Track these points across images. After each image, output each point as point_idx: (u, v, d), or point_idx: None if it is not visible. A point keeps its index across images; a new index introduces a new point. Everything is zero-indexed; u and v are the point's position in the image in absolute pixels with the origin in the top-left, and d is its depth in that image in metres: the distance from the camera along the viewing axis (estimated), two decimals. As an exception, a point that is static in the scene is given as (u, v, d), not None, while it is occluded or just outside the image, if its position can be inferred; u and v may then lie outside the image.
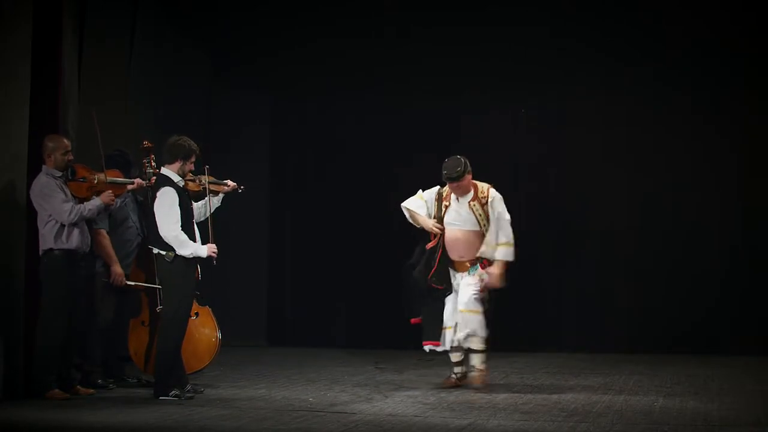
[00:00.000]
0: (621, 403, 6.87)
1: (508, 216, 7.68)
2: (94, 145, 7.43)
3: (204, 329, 7.87)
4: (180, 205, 7.19)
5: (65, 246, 7.18)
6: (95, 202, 7.28)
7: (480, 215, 7.63)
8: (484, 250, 7.65)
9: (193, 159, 7.33)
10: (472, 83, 11.05)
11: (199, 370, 7.89)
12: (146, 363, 7.74)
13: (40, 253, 7.22)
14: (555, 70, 10.91)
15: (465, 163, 7.61)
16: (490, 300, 7.69)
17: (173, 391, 7.11)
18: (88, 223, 7.45)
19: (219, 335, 7.89)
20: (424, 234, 8.02)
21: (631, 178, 10.88)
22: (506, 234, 7.64)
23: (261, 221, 12.00)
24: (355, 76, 11.31)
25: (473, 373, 7.63)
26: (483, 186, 7.72)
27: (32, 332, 7.22)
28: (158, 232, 7.16)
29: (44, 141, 7.26)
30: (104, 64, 8.95)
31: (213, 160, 7.92)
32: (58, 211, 7.15)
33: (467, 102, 11.20)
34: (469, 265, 7.71)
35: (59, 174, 7.27)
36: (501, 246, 7.62)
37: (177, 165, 7.28)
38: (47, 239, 7.18)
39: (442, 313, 7.77)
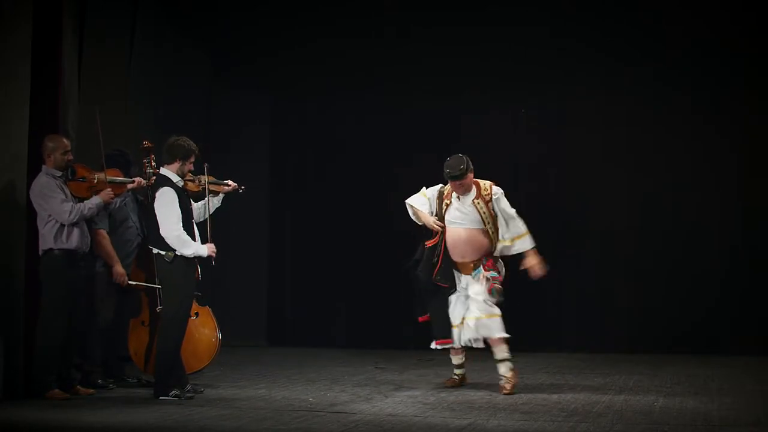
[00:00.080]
0: (621, 403, 6.87)
1: (512, 210, 7.65)
2: (94, 145, 7.43)
3: (204, 329, 7.87)
4: (179, 205, 7.19)
5: (65, 246, 7.18)
6: (95, 200, 7.28)
7: (484, 213, 7.60)
8: (501, 248, 7.61)
9: (192, 159, 7.34)
10: (472, 83, 11.05)
11: (199, 370, 7.89)
12: (146, 363, 7.74)
13: (40, 253, 7.23)
14: (555, 70, 10.91)
15: (467, 161, 7.60)
16: (503, 294, 7.64)
17: (173, 391, 7.11)
18: (88, 223, 7.46)
19: (219, 335, 7.89)
20: (425, 232, 8.01)
21: (631, 178, 10.88)
22: (517, 226, 7.60)
23: (261, 221, 12.00)
24: (355, 76, 11.31)
25: (503, 382, 7.56)
26: (485, 183, 7.69)
27: (32, 332, 7.23)
28: (158, 232, 7.17)
29: (44, 141, 7.27)
30: (104, 64, 8.95)
31: (213, 160, 7.92)
32: (58, 211, 7.16)
33: (467, 102, 11.20)
34: (472, 267, 7.69)
35: (59, 174, 7.27)
36: (517, 239, 7.58)
37: (176, 165, 7.28)
38: (47, 239, 7.18)
39: (447, 313, 7.75)
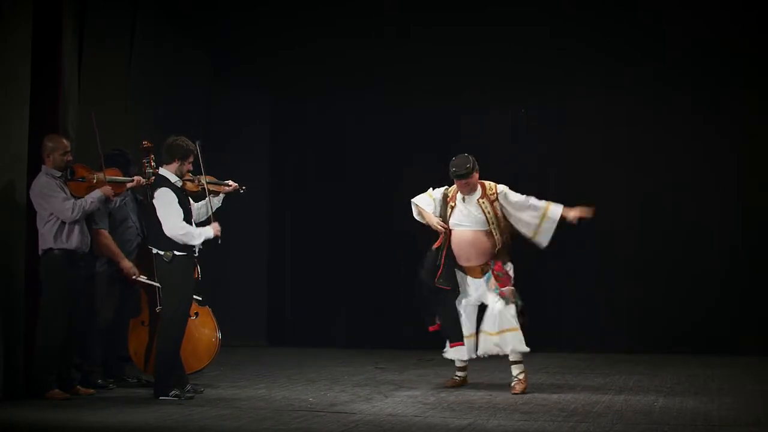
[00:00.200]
0: (621, 403, 6.87)
1: (522, 196, 7.58)
2: (93, 145, 7.43)
3: (204, 329, 7.86)
4: (179, 204, 7.20)
5: (65, 246, 7.18)
6: (95, 194, 7.26)
7: (489, 212, 7.56)
8: (538, 230, 7.54)
9: (191, 159, 7.34)
10: (472, 83, 11.05)
11: (199, 370, 7.89)
12: (146, 363, 7.73)
13: (40, 252, 7.23)
14: (555, 70, 10.91)
15: (473, 160, 7.57)
16: (519, 294, 7.61)
17: (173, 391, 7.11)
18: (89, 223, 7.45)
19: (219, 335, 7.89)
20: (424, 233, 8.01)
21: (631, 178, 10.88)
22: (536, 207, 7.53)
23: (261, 221, 12.00)
24: (355, 76, 11.31)
25: (514, 383, 7.54)
26: (490, 183, 7.66)
27: (32, 332, 7.22)
28: (158, 232, 7.17)
29: (43, 141, 7.27)
30: (104, 64, 8.95)
31: (213, 160, 7.93)
32: (60, 210, 7.16)
33: (467, 102, 11.20)
34: (480, 271, 7.65)
35: (59, 174, 7.27)
36: (544, 218, 7.53)
37: (175, 165, 7.29)
38: (47, 239, 7.18)
39: (457, 315, 7.72)
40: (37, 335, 7.20)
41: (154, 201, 7.21)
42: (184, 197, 7.31)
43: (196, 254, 7.35)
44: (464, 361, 7.86)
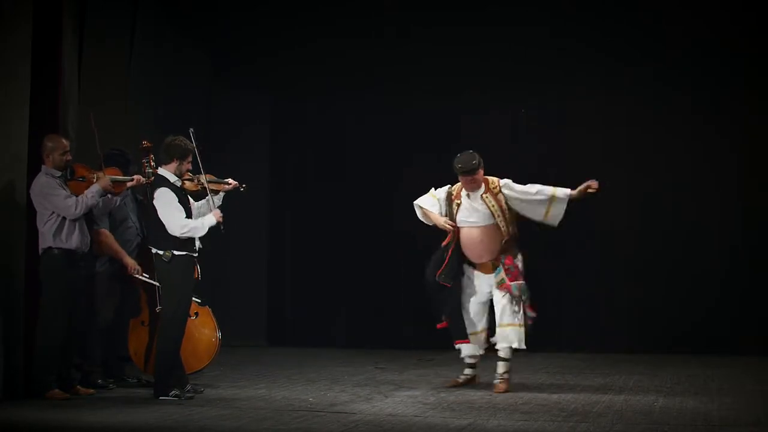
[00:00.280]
0: (621, 403, 6.87)
1: (526, 186, 7.61)
2: (93, 145, 7.43)
3: (204, 329, 7.87)
4: (179, 203, 7.20)
5: (64, 245, 7.17)
6: (93, 188, 7.25)
7: (493, 206, 7.57)
8: (548, 213, 7.55)
9: (189, 158, 7.34)
10: (472, 83, 11.05)
11: (199, 370, 7.89)
12: (146, 363, 7.73)
13: (40, 252, 7.23)
14: (555, 70, 10.91)
15: (478, 157, 7.59)
16: (528, 291, 7.61)
17: (173, 391, 7.11)
18: (89, 223, 7.45)
19: (219, 335, 7.89)
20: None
21: (631, 178, 10.87)
22: (542, 189, 7.55)
23: (261, 221, 12.00)
24: (355, 76, 11.31)
25: (497, 381, 7.56)
26: (493, 178, 7.67)
27: (32, 332, 7.22)
28: (157, 232, 7.18)
29: (43, 141, 7.26)
30: (104, 64, 8.95)
31: (213, 160, 7.93)
32: (62, 207, 7.16)
33: (467, 102, 11.20)
34: (492, 267, 7.65)
35: (58, 174, 7.27)
36: (553, 201, 7.53)
37: (173, 165, 7.29)
38: (47, 238, 7.18)
39: (459, 313, 7.72)
40: (37, 335, 7.19)
41: (154, 201, 7.21)
42: (183, 197, 7.31)
43: (196, 254, 7.35)
44: (474, 357, 7.84)
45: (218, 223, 7.29)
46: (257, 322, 11.89)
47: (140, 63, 9.76)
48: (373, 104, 11.58)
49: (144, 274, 7.73)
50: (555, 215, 7.64)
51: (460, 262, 7.73)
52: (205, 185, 7.46)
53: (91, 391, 7.45)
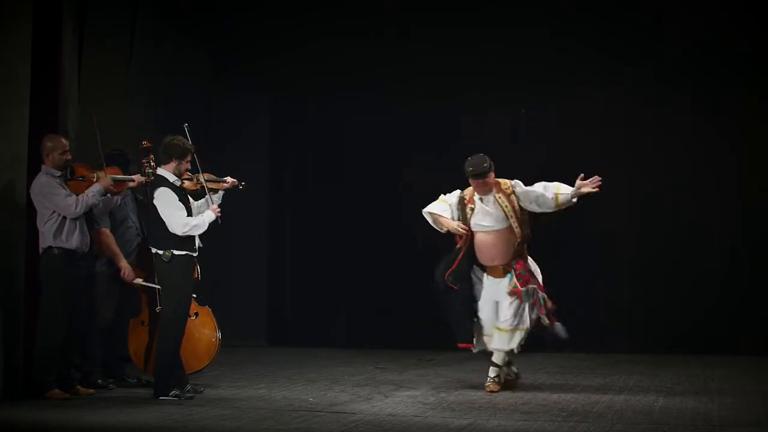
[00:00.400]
0: (621, 403, 6.87)
1: (533, 185, 7.59)
2: (93, 145, 7.43)
3: (204, 329, 7.86)
4: (179, 202, 7.21)
5: (64, 245, 7.17)
6: (94, 188, 7.25)
7: (507, 207, 7.53)
8: (557, 203, 7.49)
9: (188, 158, 7.34)
10: (472, 83, 11.05)
11: (199, 370, 7.89)
12: (146, 363, 7.73)
13: (40, 251, 7.23)
14: (555, 70, 10.91)
15: (489, 160, 7.55)
16: (534, 293, 7.59)
17: (173, 391, 7.11)
18: (90, 223, 7.46)
19: (219, 335, 7.89)
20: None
21: (631, 178, 10.87)
22: (546, 184, 7.52)
23: (261, 221, 12.00)
24: (355, 76, 11.31)
25: (489, 382, 7.57)
26: (504, 180, 7.64)
27: (32, 332, 7.22)
28: (157, 232, 7.18)
29: (43, 141, 7.26)
30: (104, 64, 8.94)
31: (213, 160, 7.92)
32: (63, 206, 7.16)
33: (467, 102, 11.20)
34: (503, 270, 7.62)
35: (58, 173, 7.27)
36: (560, 192, 7.48)
37: (172, 164, 7.29)
38: (47, 237, 7.18)
39: (470, 314, 7.68)
40: (37, 335, 7.19)
41: (154, 201, 7.22)
42: (183, 196, 7.32)
43: (196, 254, 7.35)
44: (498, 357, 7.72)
45: (217, 218, 7.30)
46: (257, 322, 11.89)
47: (140, 63, 9.76)
48: (373, 104, 11.57)
49: (137, 279, 7.73)
50: (564, 202, 7.56)
51: (470, 265, 7.69)
52: (204, 184, 7.46)
53: (91, 391, 7.44)
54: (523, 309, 7.54)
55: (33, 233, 7.27)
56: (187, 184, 7.42)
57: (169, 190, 7.20)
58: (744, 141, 10.59)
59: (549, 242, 10.94)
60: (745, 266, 10.46)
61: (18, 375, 7.17)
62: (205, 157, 7.76)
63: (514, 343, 7.54)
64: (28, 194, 7.25)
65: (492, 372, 7.64)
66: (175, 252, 7.17)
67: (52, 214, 7.18)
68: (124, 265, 7.74)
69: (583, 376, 8.60)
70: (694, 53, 10.63)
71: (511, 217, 7.55)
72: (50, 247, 7.18)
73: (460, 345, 7.73)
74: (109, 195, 7.44)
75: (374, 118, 11.60)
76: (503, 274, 7.62)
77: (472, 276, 7.71)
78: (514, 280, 7.55)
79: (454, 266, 7.65)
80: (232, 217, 9.23)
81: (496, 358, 7.63)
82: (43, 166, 7.24)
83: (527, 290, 7.54)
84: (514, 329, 7.52)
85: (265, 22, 10.86)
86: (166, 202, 7.17)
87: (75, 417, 6.37)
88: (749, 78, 10.51)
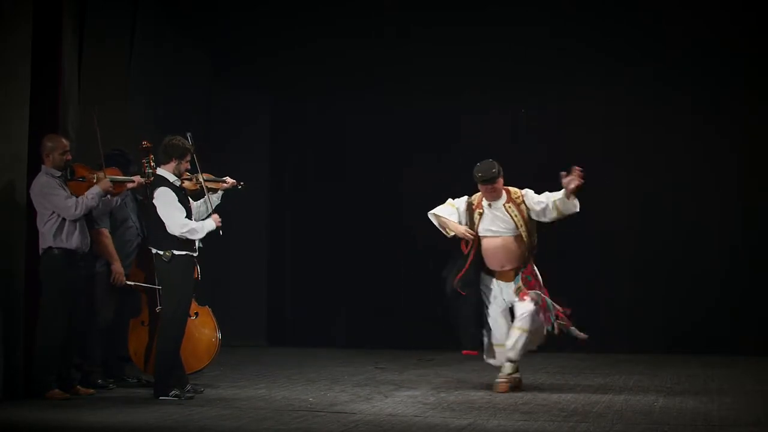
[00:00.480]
0: (621, 403, 6.87)
1: (539, 196, 7.56)
2: (93, 145, 7.43)
3: (204, 329, 7.86)
4: (179, 203, 7.21)
5: (64, 245, 7.18)
6: (94, 190, 7.25)
7: (516, 216, 7.51)
8: (560, 210, 7.50)
9: (188, 158, 7.34)
10: (472, 83, 11.06)
11: (199, 370, 7.89)
12: (146, 363, 7.73)
13: (40, 252, 7.23)
14: (555, 70, 10.92)
15: (498, 165, 7.52)
16: (540, 298, 7.57)
17: (173, 391, 7.11)
18: (90, 223, 7.46)
19: (219, 335, 7.89)
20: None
21: (631, 178, 10.88)
22: (548, 194, 7.50)
23: (261, 221, 12.00)
24: (355, 76, 11.32)
25: (498, 381, 7.52)
26: (515, 189, 7.61)
27: (32, 332, 7.22)
28: (157, 232, 7.18)
29: (43, 141, 7.26)
30: (104, 64, 8.95)
31: (213, 160, 7.92)
32: (63, 207, 7.16)
33: (467, 102, 11.20)
34: (513, 274, 7.60)
35: (58, 173, 7.26)
36: (558, 198, 7.46)
37: (172, 165, 7.29)
38: (47, 238, 7.18)
39: (475, 320, 7.64)
40: (37, 335, 7.19)
41: (154, 201, 7.22)
42: (183, 196, 7.32)
43: (196, 254, 7.35)
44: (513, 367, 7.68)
45: (217, 227, 7.30)
46: (257, 322, 11.89)
47: (140, 63, 9.76)
48: (373, 104, 11.58)
49: (129, 281, 7.73)
50: (562, 206, 7.54)
51: (477, 271, 7.65)
52: (203, 184, 7.46)
53: (91, 391, 7.44)
54: (537, 312, 7.51)
55: (33, 233, 7.27)
56: (186, 184, 7.42)
57: (169, 190, 7.20)
58: (744, 141, 10.59)
59: (549, 242, 10.96)
60: (745, 266, 10.46)
61: (18, 375, 7.17)
62: (205, 157, 7.76)
63: (526, 345, 7.52)
64: (28, 194, 7.25)
65: (508, 368, 7.55)
66: (176, 252, 7.17)
67: (51, 214, 7.18)
68: (117, 268, 7.74)
69: (583, 376, 8.60)
70: (694, 53, 10.64)
71: (521, 226, 7.53)
72: (50, 248, 7.18)
73: (464, 352, 7.71)
74: (108, 196, 7.44)
75: (374, 118, 11.60)
76: (513, 278, 7.61)
77: (481, 286, 7.67)
78: (520, 282, 7.55)
79: (462, 272, 7.63)
80: (232, 217, 9.24)
81: (514, 356, 7.55)
82: (43, 167, 7.24)
83: (534, 295, 7.51)
84: (526, 329, 7.50)
85: (265, 22, 10.86)
86: (165, 203, 7.17)
87: (75, 417, 6.37)
88: (749, 78, 10.52)
